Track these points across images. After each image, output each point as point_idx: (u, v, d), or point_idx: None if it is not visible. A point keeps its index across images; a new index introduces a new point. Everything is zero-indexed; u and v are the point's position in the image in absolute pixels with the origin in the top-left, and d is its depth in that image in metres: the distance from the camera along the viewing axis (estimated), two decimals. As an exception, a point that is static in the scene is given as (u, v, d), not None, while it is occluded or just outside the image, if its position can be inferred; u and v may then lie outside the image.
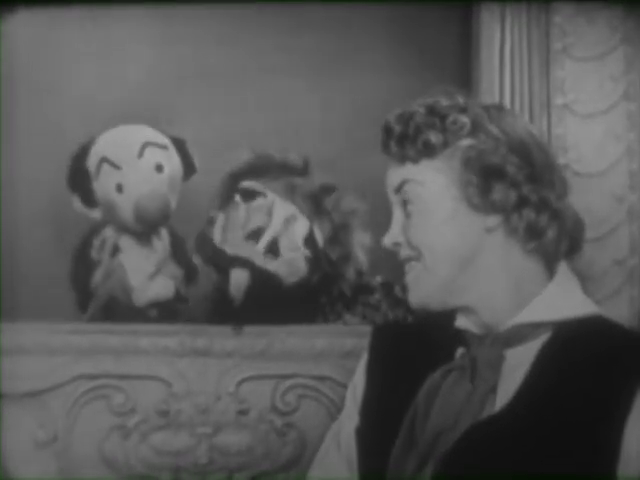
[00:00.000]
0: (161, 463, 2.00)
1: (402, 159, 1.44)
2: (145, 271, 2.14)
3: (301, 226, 2.06)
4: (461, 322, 1.46)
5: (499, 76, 2.05)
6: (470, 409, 1.40)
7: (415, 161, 1.43)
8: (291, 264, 2.03)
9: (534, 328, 1.41)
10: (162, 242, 2.19)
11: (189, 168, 2.21)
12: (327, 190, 2.09)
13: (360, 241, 2.10)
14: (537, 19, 2.04)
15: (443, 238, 1.41)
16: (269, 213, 2.04)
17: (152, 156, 2.15)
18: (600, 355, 1.38)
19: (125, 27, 2.37)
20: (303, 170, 2.10)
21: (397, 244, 1.46)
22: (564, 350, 1.39)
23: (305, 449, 1.99)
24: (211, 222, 2.08)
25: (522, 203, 1.40)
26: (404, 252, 1.45)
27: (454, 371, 1.43)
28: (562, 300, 1.43)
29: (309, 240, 2.05)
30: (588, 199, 1.99)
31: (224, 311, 2.03)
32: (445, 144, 1.42)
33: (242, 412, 2.01)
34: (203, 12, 2.32)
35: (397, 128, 1.43)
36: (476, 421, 1.39)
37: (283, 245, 2.03)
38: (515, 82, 2.05)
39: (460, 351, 1.46)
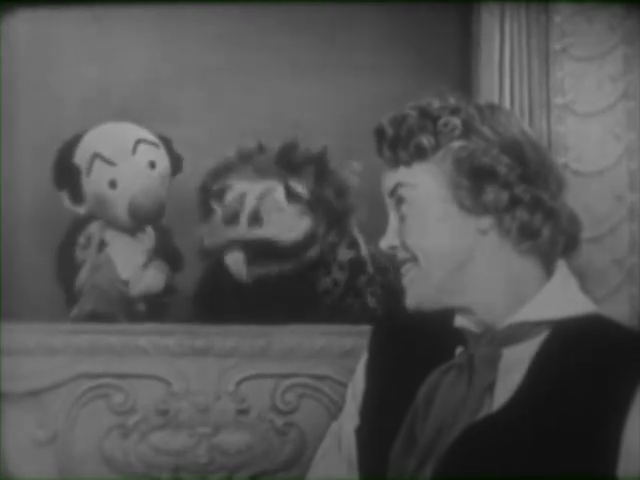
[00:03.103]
0: (161, 462, 2.01)
1: (395, 163, 1.44)
2: (135, 262, 2.16)
3: (278, 191, 2.08)
4: (460, 321, 1.46)
5: (499, 76, 2.05)
6: (468, 407, 1.39)
7: (408, 164, 1.43)
8: (279, 223, 2.05)
9: (532, 327, 1.41)
10: (147, 236, 2.20)
11: (176, 166, 2.23)
12: (290, 148, 2.12)
13: (350, 169, 2.13)
14: (536, 19, 2.04)
15: (436, 240, 1.41)
16: (241, 198, 2.07)
17: (145, 153, 2.17)
18: (599, 354, 1.38)
19: (125, 27, 2.37)
20: (260, 150, 2.13)
21: (393, 247, 1.45)
22: (562, 349, 1.39)
23: (305, 448, 2.00)
24: (200, 237, 2.11)
25: (514, 203, 1.39)
26: (400, 255, 1.45)
27: (453, 369, 1.43)
28: (560, 299, 1.42)
29: (290, 195, 2.08)
30: (588, 198, 2.00)
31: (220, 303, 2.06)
32: (437, 146, 1.41)
33: (242, 411, 2.02)
34: (203, 12, 2.32)
35: (389, 132, 1.43)
36: (474, 420, 1.38)
37: (264, 211, 2.06)
38: (515, 82, 2.05)
39: (459, 350, 1.46)
